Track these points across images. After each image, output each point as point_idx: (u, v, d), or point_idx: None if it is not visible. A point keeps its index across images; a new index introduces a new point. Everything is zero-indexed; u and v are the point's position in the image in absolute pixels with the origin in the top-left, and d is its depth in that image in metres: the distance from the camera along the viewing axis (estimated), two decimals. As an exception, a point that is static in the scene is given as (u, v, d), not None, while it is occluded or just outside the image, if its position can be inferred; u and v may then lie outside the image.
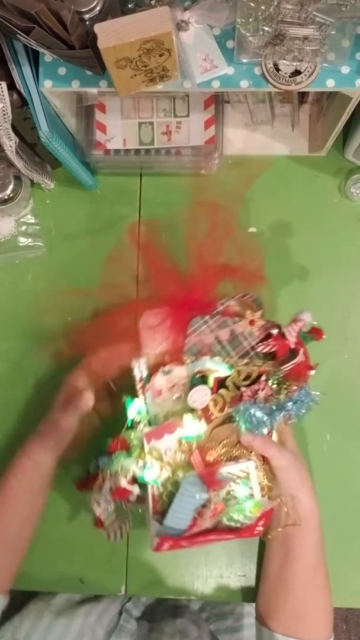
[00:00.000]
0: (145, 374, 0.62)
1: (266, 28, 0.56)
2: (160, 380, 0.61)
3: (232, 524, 0.57)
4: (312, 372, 0.62)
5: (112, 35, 0.52)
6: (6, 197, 0.79)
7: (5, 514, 0.68)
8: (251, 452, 0.60)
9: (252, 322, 0.61)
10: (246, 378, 0.61)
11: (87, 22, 0.57)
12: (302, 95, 0.78)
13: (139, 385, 0.61)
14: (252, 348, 0.62)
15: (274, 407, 0.59)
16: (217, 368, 0.60)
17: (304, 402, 0.59)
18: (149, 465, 0.57)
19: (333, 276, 0.81)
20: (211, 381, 0.60)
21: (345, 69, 0.59)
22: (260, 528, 0.58)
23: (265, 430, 0.59)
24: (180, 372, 0.61)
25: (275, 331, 0.61)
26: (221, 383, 0.61)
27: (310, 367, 0.62)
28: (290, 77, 0.59)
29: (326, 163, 0.83)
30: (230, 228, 0.68)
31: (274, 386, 0.61)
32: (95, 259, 0.81)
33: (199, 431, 0.59)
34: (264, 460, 0.60)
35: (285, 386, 0.60)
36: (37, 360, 0.81)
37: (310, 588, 0.65)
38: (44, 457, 0.68)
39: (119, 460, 0.58)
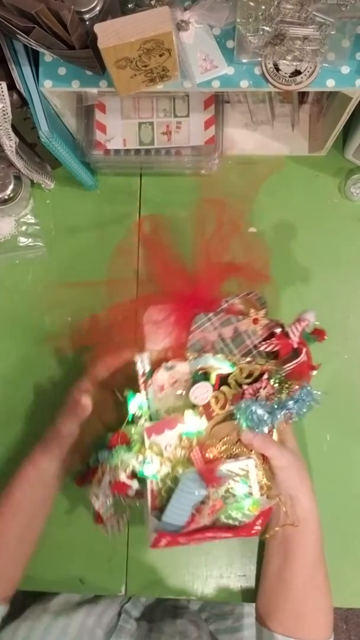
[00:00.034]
0: (147, 368, 0.62)
1: (266, 28, 0.56)
2: (162, 375, 0.61)
3: (230, 521, 0.57)
4: (315, 372, 0.62)
5: (112, 35, 0.52)
6: (6, 197, 0.79)
7: (8, 523, 0.68)
8: (251, 450, 0.60)
9: (255, 321, 0.62)
10: (248, 376, 0.61)
11: (87, 22, 0.57)
12: (302, 95, 0.78)
13: (141, 380, 0.61)
14: (255, 347, 0.62)
15: (275, 406, 0.59)
16: (220, 365, 0.60)
17: (305, 401, 0.59)
18: (148, 460, 0.57)
19: (333, 276, 0.81)
20: (213, 378, 0.60)
21: (345, 69, 0.59)
22: (258, 527, 0.58)
23: (265, 429, 0.59)
24: (182, 368, 0.61)
25: (278, 330, 0.61)
26: (223, 380, 0.61)
27: (312, 367, 0.62)
28: (290, 77, 0.59)
29: (326, 163, 0.83)
30: (237, 226, 0.68)
31: (276, 385, 0.61)
32: (96, 259, 0.82)
33: (199, 427, 0.59)
34: (264, 459, 0.60)
35: (287, 385, 0.60)
36: (38, 360, 0.81)
37: (309, 588, 0.65)
38: (48, 465, 0.68)
39: (119, 455, 0.58)
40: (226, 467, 0.57)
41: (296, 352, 0.61)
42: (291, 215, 0.82)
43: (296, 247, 0.82)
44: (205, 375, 0.61)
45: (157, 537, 0.55)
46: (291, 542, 0.66)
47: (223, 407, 0.60)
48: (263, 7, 0.56)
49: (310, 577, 0.65)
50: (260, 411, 0.58)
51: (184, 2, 0.59)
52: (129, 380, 0.63)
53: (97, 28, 0.52)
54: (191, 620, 0.74)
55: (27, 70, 0.63)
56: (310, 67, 0.59)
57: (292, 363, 0.60)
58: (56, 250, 0.84)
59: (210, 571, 0.75)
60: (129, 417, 0.60)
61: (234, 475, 0.57)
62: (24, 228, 0.84)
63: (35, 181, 0.81)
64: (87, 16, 0.57)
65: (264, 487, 0.59)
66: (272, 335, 0.62)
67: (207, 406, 0.60)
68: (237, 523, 0.57)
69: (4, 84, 0.61)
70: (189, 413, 0.58)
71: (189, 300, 0.64)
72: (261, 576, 0.71)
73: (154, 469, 0.57)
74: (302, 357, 0.60)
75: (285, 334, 0.61)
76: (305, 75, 0.59)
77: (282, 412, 0.58)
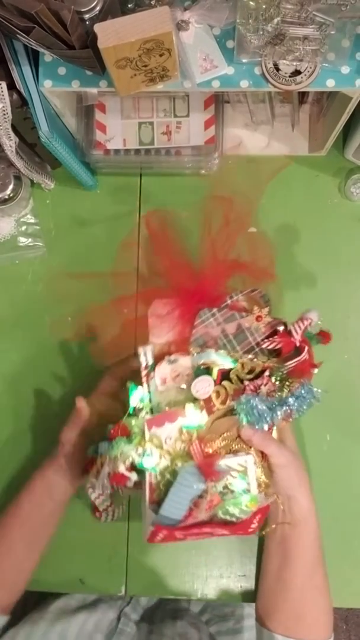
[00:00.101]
0: (150, 361, 0.62)
1: (266, 28, 0.56)
2: (165, 368, 0.61)
3: (228, 517, 0.56)
4: (316, 371, 0.62)
5: (112, 35, 0.52)
6: (6, 197, 0.79)
7: (16, 533, 0.68)
8: (250, 447, 0.60)
9: (259, 318, 0.62)
10: (250, 372, 0.61)
11: (87, 22, 0.57)
12: (302, 95, 0.78)
13: (143, 373, 0.62)
14: (258, 344, 0.62)
15: (276, 402, 0.59)
16: (222, 361, 0.61)
17: (306, 398, 0.59)
18: (148, 452, 0.57)
19: (333, 276, 0.81)
20: (215, 373, 0.60)
21: (345, 69, 0.59)
22: (254, 526, 0.58)
23: (265, 426, 0.60)
24: (185, 362, 0.61)
25: (281, 328, 0.61)
26: (225, 375, 0.61)
27: (313, 365, 0.62)
28: (290, 77, 0.59)
29: (326, 163, 0.83)
30: (243, 224, 0.68)
31: (277, 382, 0.61)
32: (96, 259, 0.82)
33: (200, 421, 0.59)
34: (263, 457, 0.60)
35: (288, 383, 0.60)
36: (38, 360, 0.81)
37: (309, 588, 0.65)
38: (54, 476, 0.68)
39: (119, 446, 0.58)
40: (225, 462, 0.57)
41: (298, 351, 0.61)
42: (291, 215, 0.82)
43: (296, 247, 0.81)
44: (207, 370, 0.61)
45: (154, 530, 0.54)
46: (290, 542, 0.66)
47: (224, 402, 0.60)
48: (263, 7, 0.56)
49: (309, 577, 0.65)
50: (261, 406, 0.58)
51: (184, 2, 0.59)
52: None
53: (97, 28, 0.52)
54: (191, 623, 0.74)
55: (27, 70, 0.63)
56: (310, 67, 0.59)
57: (293, 361, 0.60)
58: (56, 250, 0.84)
59: (210, 571, 0.75)
60: (130, 410, 0.60)
61: (233, 470, 0.57)
62: (24, 228, 0.84)
63: (35, 181, 0.81)
64: (87, 16, 0.57)
65: (262, 485, 0.59)
66: (274, 333, 0.62)
67: (208, 400, 0.60)
68: (234, 519, 0.57)
69: (4, 84, 0.61)
70: (189, 406, 0.59)
71: (194, 296, 0.64)
72: (260, 577, 0.71)
73: (154, 462, 0.57)
74: (304, 355, 0.60)
75: (288, 332, 0.61)
76: (305, 75, 0.59)
77: (283, 409, 0.58)
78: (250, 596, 0.74)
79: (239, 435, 0.59)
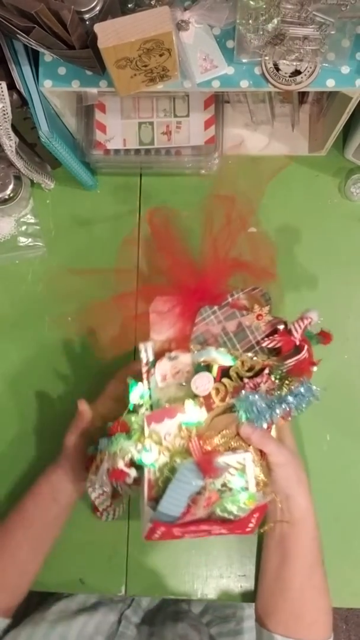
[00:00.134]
0: (151, 358, 0.62)
1: (266, 28, 0.56)
2: (165, 365, 0.61)
3: (226, 515, 0.56)
4: (315, 368, 0.62)
5: (112, 35, 0.52)
6: (6, 197, 0.79)
7: (21, 536, 0.68)
8: (249, 445, 0.60)
9: (259, 317, 0.62)
10: (249, 369, 0.62)
11: (87, 22, 0.57)
12: (302, 95, 0.78)
13: (144, 369, 0.62)
14: (258, 342, 0.62)
15: (275, 400, 0.59)
16: (222, 359, 0.61)
17: (305, 396, 0.59)
18: (147, 447, 0.57)
19: (333, 276, 0.81)
20: (215, 370, 0.60)
21: (345, 69, 0.59)
22: (252, 525, 0.58)
23: (265, 424, 0.60)
24: (185, 359, 0.62)
25: (281, 327, 0.61)
26: (224, 372, 0.61)
27: (313, 362, 0.62)
28: (290, 77, 0.59)
29: (326, 163, 0.83)
30: (244, 223, 0.68)
31: (277, 381, 0.61)
32: (96, 258, 0.82)
33: (199, 418, 0.59)
34: (262, 455, 0.60)
35: (287, 382, 0.61)
36: (38, 360, 0.81)
37: (307, 588, 0.65)
38: (58, 480, 0.68)
39: (119, 442, 0.58)
40: (223, 459, 0.57)
41: (298, 350, 0.61)
42: (291, 215, 0.82)
43: (296, 247, 0.81)
44: (207, 368, 0.61)
45: (152, 527, 0.54)
46: (288, 542, 0.66)
47: (223, 400, 0.60)
48: (263, 6, 0.56)
49: (308, 577, 0.65)
50: (260, 402, 0.58)
51: (184, 2, 0.59)
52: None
53: (97, 28, 0.52)
54: (192, 625, 0.74)
55: (27, 70, 0.63)
56: (310, 67, 0.59)
57: (293, 359, 0.60)
58: (56, 250, 0.84)
59: (210, 571, 0.75)
60: (130, 407, 0.60)
61: (231, 468, 0.57)
62: (24, 228, 0.84)
63: (35, 181, 0.81)
64: (87, 16, 0.57)
65: (261, 484, 0.59)
66: (275, 331, 0.62)
67: (207, 397, 0.60)
68: (232, 517, 0.56)
69: (4, 84, 0.61)
70: (189, 403, 0.59)
71: (195, 293, 0.64)
72: (259, 577, 0.71)
73: (153, 458, 0.57)
74: (304, 354, 0.60)
75: (288, 331, 0.61)
76: (305, 75, 0.59)
77: (282, 407, 0.58)
78: (250, 596, 0.74)
79: (238, 433, 0.59)
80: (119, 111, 0.78)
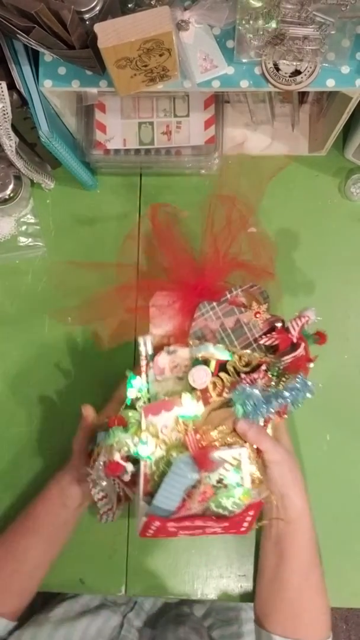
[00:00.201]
0: (150, 351, 0.62)
1: (266, 27, 0.56)
2: (164, 359, 0.62)
3: (221, 510, 0.56)
4: (312, 365, 0.62)
5: (112, 35, 0.52)
6: (6, 197, 0.79)
7: (28, 539, 0.68)
8: (246, 442, 0.60)
9: (257, 314, 0.62)
10: (247, 365, 0.62)
11: (87, 22, 0.57)
12: (302, 95, 0.78)
13: (143, 363, 0.62)
14: (255, 340, 0.62)
15: (272, 395, 0.59)
16: (220, 355, 0.61)
17: (301, 391, 0.59)
18: (144, 440, 0.57)
19: (333, 276, 0.81)
20: (213, 365, 0.61)
21: (345, 69, 0.59)
22: (247, 525, 0.58)
23: (261, 420, 0.60)
24: (183, 354, 0.62)
25: (279, 325, 0.62)
26: (222, 367, 0.61)
27: (309, 359, 0.62)
28: (290, 76, 0.59)
29: (326, 163, 0.83)
30: (245, 223, 0.68)
31: (274, 377, 0.61)
32: (96, 258, 0.82)
33: (196, 412, 0.59)
34: (258, 453, 0.60)
35: (284, 379, 0.61)
36: (39, 360, 0.81)
37: (305, 588, 0.65)
38: (69, 485, 0.68)
39: (115, 435, 0.58)
40: (219, 454, 0.57)
41: (294, 347, 0.61)
42: (291, 215, 0.82)
43: (296, 247, 0.81)
44: (205, 362, 0.61)
45: (147, 521, 0.54)
46: (285, 542, 0.66)
47: (220, 394, 0.60)
48: (263, 7, 0.56)
49: (305, 578, 0.65)
50: (257, 395, 0.58)
51: (184, 2, 0.59)
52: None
53: (97, 28, 0.52)
54: (193, 628, 0.74)
55: (27, 70, 0.63)
56: (310, 67, 0.59)
57: (290, 356, 0.61)
58: (56, 250, 0.84)
59: (210, 571, 0.75)
60: (127, 401, 0.60)
61: (227, 463, 0.57)
62: (24, 228, 0.84)
63: (35, 181, 0.81)
64: (87, 16, 0.57)
65: (256, 481, 0.59)
66: (272, 329, 0.62)
67: (204, 391, 0.60)
68: (226, 513, 0.56)
69: (4, 84, 0.61)
70: (186, 396, 0.59)
71: (194, 289, 0.65)
72: (257, 577, 0.71)
73: (149, 450, 0.57)
74: (300, 351, 0.61)
75: (285, 329, 0.61)
76: (305, 75, 0.59)
77: (278, 401, 0.58)
78: (250, 596, 0.74)
79: (234, 429, 0.59)
80: (119, 111, 0.78)
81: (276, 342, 0.61)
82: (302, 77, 0.59)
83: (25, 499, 0.77)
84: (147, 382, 0.62)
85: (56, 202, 0.85)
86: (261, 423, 0.61)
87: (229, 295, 0.64)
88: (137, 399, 0.61)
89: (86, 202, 0.84)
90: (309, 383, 0.60)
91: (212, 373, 0.60)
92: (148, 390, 0.61)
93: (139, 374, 0.62)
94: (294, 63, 0.58)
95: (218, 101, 0.77)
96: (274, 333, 0.61)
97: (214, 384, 0.60)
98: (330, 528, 0.74)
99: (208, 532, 0.57)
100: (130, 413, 0.60)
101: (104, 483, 0.62)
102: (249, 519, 0.57)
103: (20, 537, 0.69)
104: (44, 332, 0.81)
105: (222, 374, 0.61)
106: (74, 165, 0.76)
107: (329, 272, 0.81)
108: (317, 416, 0.77)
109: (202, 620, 0.80)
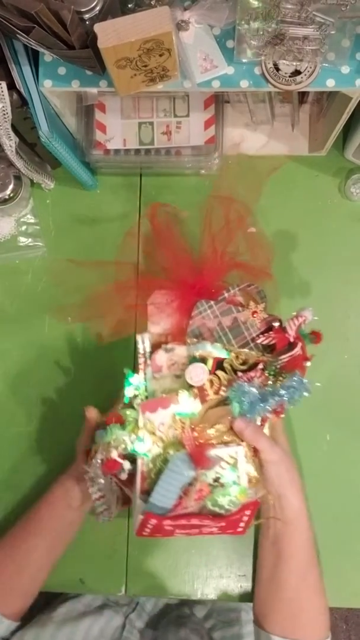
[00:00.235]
0: (148, 349, 0.62)
1: (266, 28, 0.56)
2: (161, 356, 0.62)
3: (217, 509, 0.56)
4: (309, 363, 0.62)
5: (112, 35, 0.52)
6: (6, 197, 0.79)
7: (33, 541, 0.68)
8: (242, 441, 0.60)
9: (254, 314, 0.62)
10: (243, 363, 0.62)
11: (87, 22, 0.57)
12: (302, 95, 0.78)
13: (141, 360, 0.62)
14: (253, 339, 0.63)
15: (268, 393, 0.59)
16: (217, 353, 0.61)
17: (297, 389, 0.59)
18: (141, 437, 0.57)
19: (333, 276, 0.81)
20: (210, 362, 0.61)
21: (345, 69, 0.59)
22: (243, 524, 0.58)
23: (258, 419, 0.60)
24: (181, 352, 0.62)
25: (276, 324, 0.62)
26: (219, 365, 0.61)
27: (306, 358, 0.62)
28: (290, 76, 0.59)
29: (326, 163, 0.82)
30: (242, 223, 0.68)
31: (271, 377, 0.61)
32: (96, 259, 0.82)
33: (193, 409, 0.59)
34: (255, 453, 0.60)
35: (281, 378, 0.61)
36: (39, 360, 0.81)
37: (302, 588, 0.65)
38: (73, 486, 0.68)
39: (113, 432, 0.58)
40: (216, 452, 0.57)
41: (291, 347, 0.61)
42: (291, 215, 0.82)
43: (296, 247, 0.81)
44: (202, 361, 0.61)
45: (144, 519, 0.54)
46: (282, 543, 0.66)
47: (217, 392, 0.60)
48: (263, 7, 0.56)
49: (302, 578, 0.65)
50: (253, 392, 0.58)
51: (184, 2, 0.59)
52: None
53: (97, 28, 0.52)
54: (193, 629, 0.74)
55: (27, 70, 0.63)
56: (310, 67, 0.59)
57: (286, 355, 0.61)
58: (56, 250, 0.84)
59: (210, 571, 0.75)
60: (125, 400, 0.61)
61: (223, 461, 0.57)
62: (23, 228, 0.84)
63: (35, 181, 0.81)
64: (87, 16, 0.57)
65: (253, 481, 0.59)
66: (269, 329, 0.62)
67: (201, 389, 0.60)
68: (223, 511, 0.56)
69: (4, 84, 0.61)
70: (183, 394, 0.59)
71: (192, 288, 0.65)
72: (256, 578, 0.71)
73: (146, 447, 0.57)
74: (297, 350, 0.61)
75: (282, 329, 0.61)
76: (305, 75, 0.59)
77: (274, 398, 0.59)
78: (250, 596, 0.74)
79: (231, 428, 0.59)
80: (119, 111, 0.78)
81: (273, 342, 0.61)
82: (302, 77, 0.59)
83: (25, 499, 0.77)
84: (145, 380, 0.62)
85: (56, 202, 0.85)
86: (258, 422, 0.61)
87: (226, 294, 0.64)
88: (135, 396, 0.61)
89: (86, 202, 0.84)
90: (305, 381, 0.60)
91: (210, 371, 0.60)
92: (146, 388, 0.62)
93: (137, 372, 0.62)
94: (294, 63, 0.58)
95: (218, 101, 0.77)
96: (271, 332, 0.62)
97: (211, 381, 0.60)
98: (330, 528, 0.74)
99: (205, 532, 0.57)
100: (129, 411, 0.60)
101: (102, 481, 0.62)
102: (245, 518, 0.57)
103: (24, 538, 0.69)
104: (44, 332, 0.81)
105: (219, 372, 0.61)
106: (74, 165, 0.76)
107: (329, 272, 0.81)
108: (317, 416, 0.77)
109: (204, 621, 0.80)
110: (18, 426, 0.80)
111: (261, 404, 0.58)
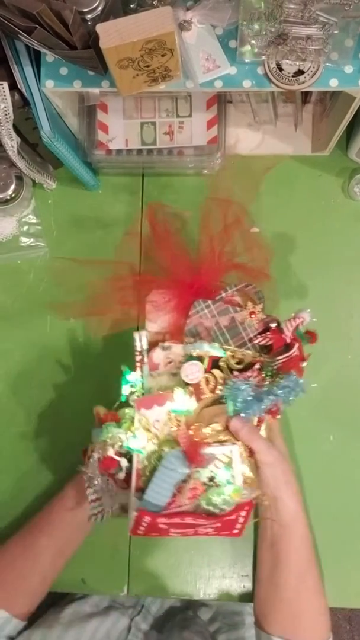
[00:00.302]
0: (145, 347, 0.63)
1: (269, 28, 0.56)
2: (158, 354, 0.62)
3: (211, 508, 0.56)
4: (305, 364, 0.62)
5: (114, 35, 0.51)
6: (8, 197, 0.79)
7: (44, 542, 0.68)
8: (238, 441, 0.60)
9: (252, 314, 0.62)
10: (239, 362, 0.62)
11: (89, 23, 0.56)
12: (305, 95, 0.78)
13: (137, 358, 0.62)
14: (250, 340, 0.63)
15: (264, 393, 0.59)
16: (214, 352, 0.61)
17: (293, 389, 0.59)
18: (136, 432, 0.58)
19: (336, 276, 0.81)
20: (206, 361, 0.61)
21: (348, 69, 0.59)
22: (239, 526, 0.58)
23: (254, 420, 0.60)
24: (178, 350, 0.62)
25: (274, 325, 0.62)
26: (215, 364, 0.62)
27: (302, 358, 0.62)
28: (293, 76, 0.59)
29: (329, 163, 0.82)
30: (240, 224, 0.68)
31: (268, 377, 0.61)
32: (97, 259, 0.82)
33: (188, 407, 0.59)
34: (250, 454, 0.60)
35: (278, 378, 0.61)
36: (39, 360, 0.81)
37: (302, 590, 0.65)
38: (82, 486, 0.67)
39: (109, 430, 0.58)
40: (210, 450, 0.57)
41: (288, 348, 0.61)
42: (294, 215, 0.82)
43: (299, 247, 0.81)
44: (199, 359, 0.61)
45: (138, 516, 0.54)
46: (279, 545, 0.66)
47: (213, 390, 0.60)
48: (266, 6, 0.55)
49: (301, 579, 0.65)
50: (248, 390, 0.58)
51: (186, 2, 0.59)
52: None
53: (99, 28, 0.52)
54: (197, 632, 0.74)
55: (28, 70, 0.63)
56: (314, 67, 0.58)
57: (283, 356, 0.61)
58: (58, 250, 0.83)
59: (213, 571, 0.75)
60: (122, 398, 0.61)
61: (217, 460, 0.57)
62: (25, 228, 0.84)
63: (37, 181, 0.81)
64: (89, 16, 0.56)
65: (248, 481, 0.59)
66: (267, 329, 0.62)
67: (197, 387, 0.60)
68: (217, 510, 0.56)
69: (5, 84, 0.61)
70: (179, 391, 0.59)
71: (190, 288, 0.65)
72: (256, 580, 0.71)
73: (141, 443, 0.58)
74: (294, 351, 0.61)
75: (279, 330, 0.61)
76: (308, 74, 0.59)
77: (270, 398, 0.58)
78: (252, 596, 0.74)
79: (227, 427, 0.59)
80: (121, 111, 0.78)
81: (270, 342, 0.61)
82: (305, 77, 0.59)
83: (27, 499, 0.77)
84: (142, 377, 0.62)
85: (58, 202, 0.85)
86: (254, 423, 0.61)
87: (224, 294, 0.64)
88: (132, 393, 0.61)
89: (88, 202, 0.84)
90: (301, 381, 0.60)
91: (205, 369, 0.60)
92: (142, 385, 0.62)
93: (134, 369, 0.62)
94: (297, 63, 0.58)
95: (220, 101, 0.77)
96: (268, 333, 0.62)
97: (207, 380, 0.60)
98: (334, 528, 0.74)
99: (200, 532, 0.57)
100: (126, 410, 0.61)
101: (99, 480, 0.62)
102: (241, 520, 0.57)
103: (35, 539, 0.69)
104: (46, 331, 0.81)
105: (215, 371, 0.61)
106: (76, 165, 0.75)
107: (332, 272, 0.81)
108: (320, 417, 0.77)
109: (208, 624, 0.80)
110: (19, 426, 0.80)
111: (256, 403, 0.58)
